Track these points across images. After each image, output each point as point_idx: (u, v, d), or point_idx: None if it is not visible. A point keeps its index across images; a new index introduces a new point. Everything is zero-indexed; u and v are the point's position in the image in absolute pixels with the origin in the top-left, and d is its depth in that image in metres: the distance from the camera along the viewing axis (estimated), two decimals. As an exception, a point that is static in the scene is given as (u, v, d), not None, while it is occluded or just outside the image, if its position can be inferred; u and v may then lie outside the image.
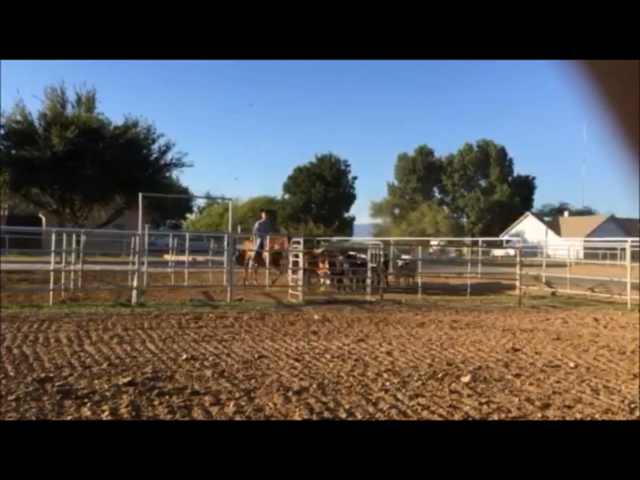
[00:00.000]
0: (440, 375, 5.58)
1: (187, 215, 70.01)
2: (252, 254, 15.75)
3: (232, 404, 4.39)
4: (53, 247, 12.26)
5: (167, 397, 4.55)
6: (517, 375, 5.70)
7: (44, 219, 38.13)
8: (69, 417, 3.97)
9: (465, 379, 5.40)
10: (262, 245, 15.77)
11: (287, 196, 72.30)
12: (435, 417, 4.23)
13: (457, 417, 4.26)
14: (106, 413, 4.05)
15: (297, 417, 4.11)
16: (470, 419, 4.23)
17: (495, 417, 4.30)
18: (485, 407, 4.54)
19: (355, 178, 74.18)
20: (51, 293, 10.95)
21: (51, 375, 5.14)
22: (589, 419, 4.29)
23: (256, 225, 16.60)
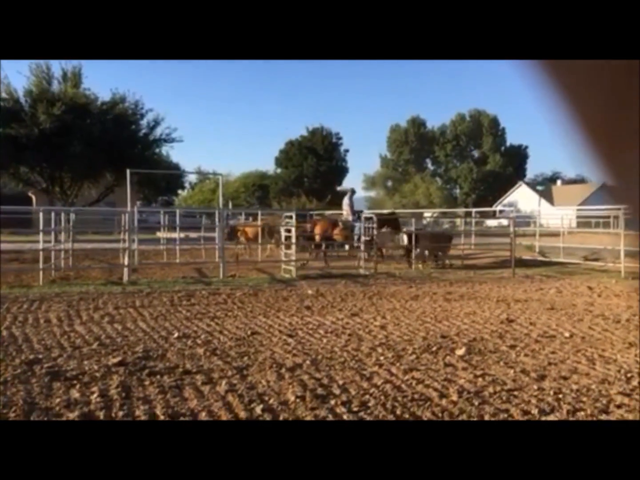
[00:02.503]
0: (434, 348, 5.53)
1: (179, 191, 69.45)
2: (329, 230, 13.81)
3: (224, 382, 4.32)
4: (42, 226, 12.10)
5: (158, 376, 4.48)
6: (512, 347, 5.66)
7: (34, 198, 37.73)
8: (58, 400, 3.89)
9: (460, 351, 5.35)
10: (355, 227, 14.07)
11: (279, 170, 71.84)
12: (430, 391, 4.18)
13: (452, 390, 4.21)
14: (95, 395, 3.97)
15: (290, 395, 4.05)
16: (465, 392, 4.18)
17: (490, 389, 4.25)
18: (480, 379, 4.50)
19: (347, 151, 73.71)
20: (41, 273, 10.81)
21: (40, 356, 5.06)
22: (585, 390, 4.25)
23: (346, 200, 14.95)
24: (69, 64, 31.60)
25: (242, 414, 3.67)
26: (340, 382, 4.36)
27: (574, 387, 4.33)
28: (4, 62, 25.13)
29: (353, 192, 15.56)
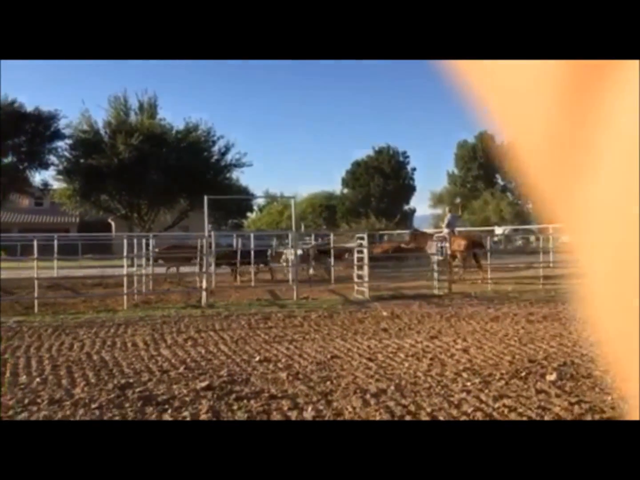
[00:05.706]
0: (523, 373, 5.32)
1: (248, 214, 70.84)
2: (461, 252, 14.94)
3: (310, 407, 4.32)
4: (125, 252, 12.63)
5: (245, 401, 4.53)
6: (606, 371, 5.37)
7: (113, 224, 39.57)
8: (152, 424, 4.00)
9: (551, 377, 5.13)
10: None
11: (345, 191, 72.10)
12: (524, 420, 4.02)
13: (547, 419, 4.02)
14: (187, 420, 4.06)
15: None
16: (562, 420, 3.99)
17: (589, 417, 4.04)
18: (576, 407, 4.29)
19: (414, 169, 73.15)
20: (125, 297, 11.27)
21: (131, 381, 5.23)
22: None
23: (448, 220, 16.42)
24: (145, 96, 33.13)
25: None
26: (429, 410, 4.26)
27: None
28: (86, 96, 26.24)
29: (450, 211, 17.46)
